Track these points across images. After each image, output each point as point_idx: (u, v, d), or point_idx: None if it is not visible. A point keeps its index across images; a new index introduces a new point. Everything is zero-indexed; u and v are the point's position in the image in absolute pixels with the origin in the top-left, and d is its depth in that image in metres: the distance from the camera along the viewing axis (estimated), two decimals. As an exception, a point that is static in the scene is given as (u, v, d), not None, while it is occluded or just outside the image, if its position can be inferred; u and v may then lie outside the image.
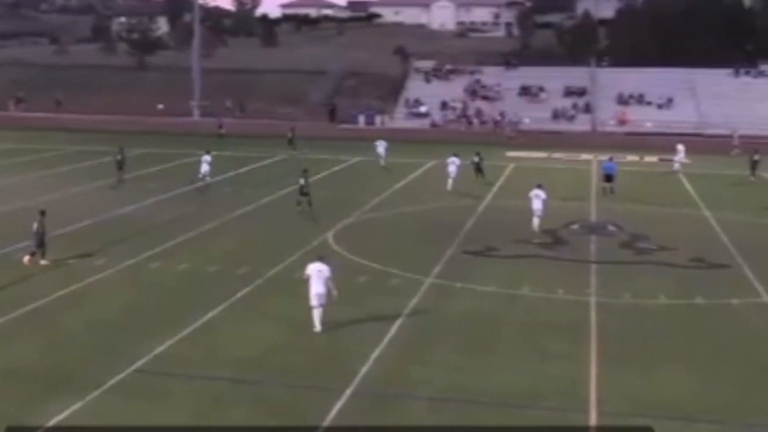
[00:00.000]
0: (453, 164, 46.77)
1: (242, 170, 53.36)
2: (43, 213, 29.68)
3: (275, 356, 21.30)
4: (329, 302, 23.01)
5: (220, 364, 20.59)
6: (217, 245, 32.86)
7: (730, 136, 67.09)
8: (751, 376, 20.64)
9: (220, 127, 72.74)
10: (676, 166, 56.72)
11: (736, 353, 22.19)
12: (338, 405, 18.26)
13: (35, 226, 29.26)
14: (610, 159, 48.33)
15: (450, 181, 46.31)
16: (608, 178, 46.36)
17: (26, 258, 29.10)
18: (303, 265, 24.50)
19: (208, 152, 47.17)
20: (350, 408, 18.23)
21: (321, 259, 23.62)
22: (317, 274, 22.87)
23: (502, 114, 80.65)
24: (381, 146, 56.86)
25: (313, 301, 22.85)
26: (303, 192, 39.81)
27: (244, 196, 43.40)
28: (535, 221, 36.43)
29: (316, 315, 22.89)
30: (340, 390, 18.94)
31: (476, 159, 50.14)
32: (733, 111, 76.36)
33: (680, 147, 57.59)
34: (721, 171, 56.91)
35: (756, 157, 52.95)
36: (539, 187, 37.29)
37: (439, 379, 19.93)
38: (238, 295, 26.18)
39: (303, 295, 23.44)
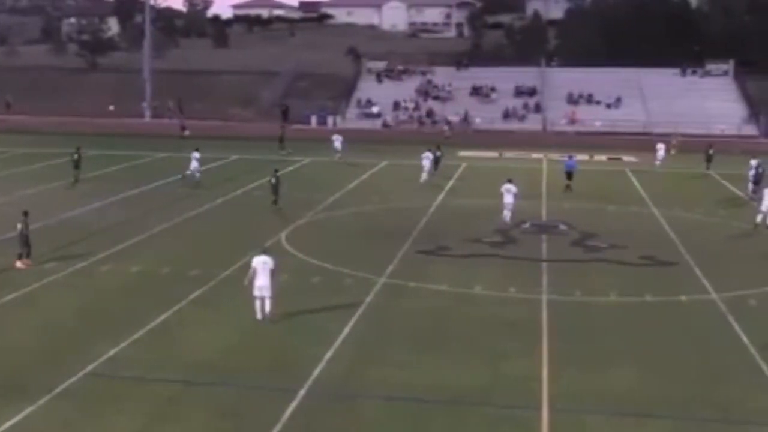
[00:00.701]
0: (426, 159, 49.26)
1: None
2: (26, 214, 29.63)
3: (229, 358, 21.26)
4: (277, 296, 23.47)
5: (174, 366, 20.51)
6: (170, 247, 32.73)
7: (670, 135, 68.43)
8: (701, 370, 20.95)
9: (183, 129, 72.42)
10: (657, 163, 58.44)
11: (685, 349, 22.52)
12: (292, 406, 18.26)
13: (19, 227, 29.16)
14: (570, 157, 49.32)
15: (424, 175, 48.62)
16: (569, 175, 47.60)
17: (17, 263, 28.96)
18: (256, 266, 24.79)
19: (197, 150, 48.44)
20: (304, 409, 18.24)
21: (265, 251, 24.51)
22: (262, 266, 23.66)
23: (456, 114, 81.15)
24: (338, 141, 57.45)
25: (256, 292, 23.68)
26: (274, 191, 40.74)
27: (198, 197, 43.21)
28: (506, 214, 38.05)
29: (258, 306, 23.72)
30: (294, 391, 18.95)
31: (438, 153, 52.18)
32: (680, 110, 77.48)
33: (660, 146, 59.33)
34: (668, 169, 57.72)
35: (710, 151, 56.36)
36: (510, 181, 38.82)
37: (392, 378, 20.02)
38: (191, 296, 26.08)
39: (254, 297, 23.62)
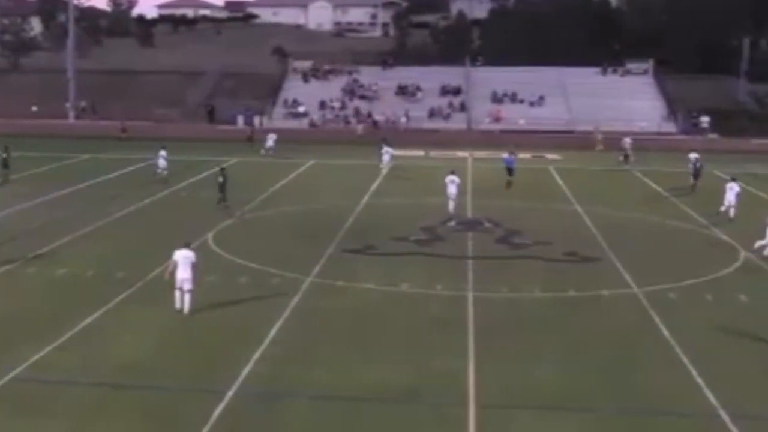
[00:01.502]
0: (387, 153, 52.64)
1: (123, 172, 52.59)
2: None
3: (156, 360, 21.17)
4: (204, 295, 23.84)
5: (101, 369, 20.36)
6: (96, 249, 32.38)
7: (592, 133, 69.67)
8: (623, 363, 21.43)
9: (123, 130, 71.50)
10: (626, 158, 60.20)
11: (608, 342, 23.01)
12: (220, 407, 18.27)
13: None
14: (511, 153, 50.19)
15: (383, 168, 51.32)
16: (509, 171, 48.63)
17: None
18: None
19: (163, 147, 49.41)
20: (232, 409, 18.27)
21: (187, 245, 24.92)
22: (183, 260, 24.28)
23: (382, 113, 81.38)
24: (271, 140, 57.91)
25: (178, 284, 24.26)
26: (222, 189, 40.75)
27: (125, 198, 42.80)
28: (451, 204, 39.62)
29: (178, 296, 24.29)
30: (222, 392, 18.96)
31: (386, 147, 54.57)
32: (601, 108, 78.75)
33: (627, 140, 61.26)
34: (589, 166, 58.81)
35: (599, 140, 61.74)
36: (453, 173, 40.75)
37: (321, 377, 20.14)
38: (117, 299, 25.89)
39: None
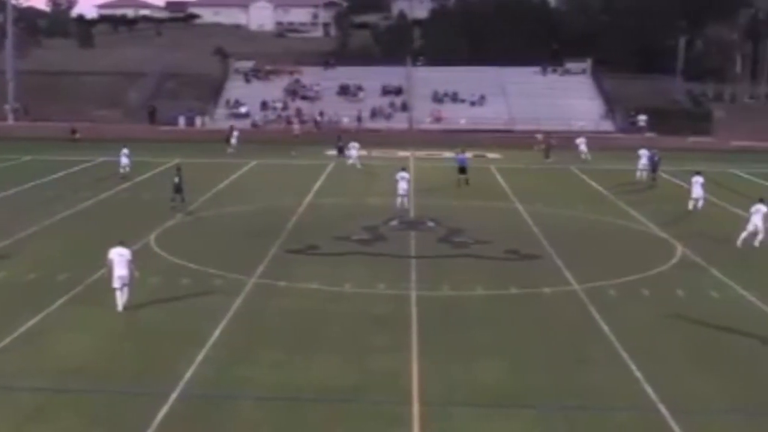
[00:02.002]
0: (353, 149, 55.07)
1: (66, 173, 52.01)
2: None
3: (98, 363, 20.99)
4: (142, 293, 24.06)
5: (41, 374, 20.14)
6: (37, 251, 31.98)
7: (535, 133, 70.46)
8: (564, 360, 21.73)
9: (74, 132, 70.52)
10: (587, 157, 61.47)
11: (549, 339, 23.29)
12: (164, 410, 18.20)
13: None
14: (462, 151, 50.74)
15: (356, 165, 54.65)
16: (462, 170, 49.10)
17: None
18: (124, 270, 24.81)
19: (124, 146, 51.24)
20: (176, 412, 18.21)
21: (122, 243, 25.18)
22: (119, 258, 24.49)
23: (321, 113, 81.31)
24: (234, 138, 60.72)
25: (116, 284, 24.44)
26: (177, 189, 40.81)
27: (66, 200, 42.31)
28: (399, 200, 40.90)
29: (118, 296, 24.50)
30: (166, 394, 18.89)
31: (340, 144, 57.38)
32: (541, 107, 79.58)
33: (581, 140, 62.41)
34: (528, 165, 59.40)
35: (551, 142, 62.72)
36: (404, 169, 42.41)
37: (264, 377, 20.17)
38: (59, 302, 25.62)
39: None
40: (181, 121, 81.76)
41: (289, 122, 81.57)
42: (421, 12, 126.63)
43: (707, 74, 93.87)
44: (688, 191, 42.68)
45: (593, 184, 51.54)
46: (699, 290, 28.14)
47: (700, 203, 41.93)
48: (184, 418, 18.02)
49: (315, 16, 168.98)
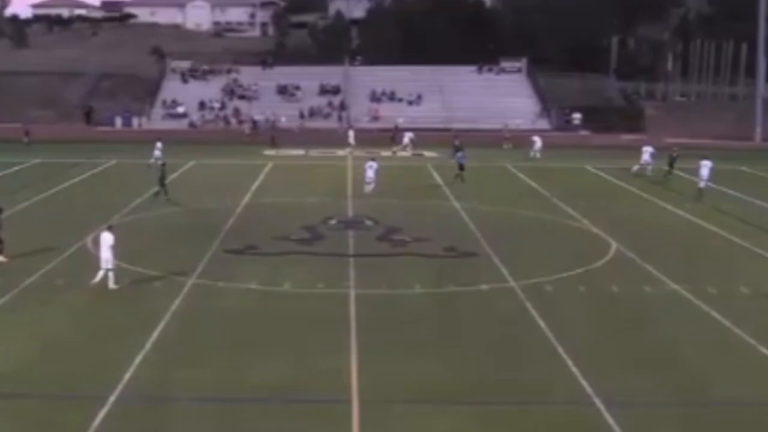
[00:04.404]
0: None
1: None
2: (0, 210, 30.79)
3: (35, 368, 20.71)
4: (79, 295, 25.04)
5: (-25, 379, 19.91)
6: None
7: (501, 130, 71.24)
8: (502, 356, 21.96)
9: (27, 133, 69.28)
10: (536, 155, 61.62)
11: (487, 336, 23.53)
12: (102, 413, 18.04)
13: None
14: (459, 149, 52.12)
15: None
16: (461, 167, 50.18)
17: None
18: (61, 272, 26.96)
19: (159, 140, 54.50)
20: (114, 415, 18.06)
21: (110, 228, 27.52)
22: (103, 241, 26.99)
23: (263, 113, 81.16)
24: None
25: (102, 264, 26.80)
26: (162, 182, 42.63)
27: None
28: (366, 188, 45.02)
29: (101, 274, 26.75)
30: (104, 398, 18.71)
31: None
32: (478, 106, 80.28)
33: (536, 138, 62.62)
34: (466, 163, 59.71)
35: (456, 143, 61.12)
36: (373, 159, 46.68)
37: (204, 378, 20.09)
38: (-8, 307, 25.32)
39: (61, 303, 23.40)
40: (118, 121, 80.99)
41: (227, 122, 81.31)
42: (358, 12, 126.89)
43: (639, 73, 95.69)
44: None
45: (529, 181, 52.03)
46: (633, 285, 28.59)
47: (702, 184, 45.68)
48: (124, 421, 17.91)
49: (252, 15, 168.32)
